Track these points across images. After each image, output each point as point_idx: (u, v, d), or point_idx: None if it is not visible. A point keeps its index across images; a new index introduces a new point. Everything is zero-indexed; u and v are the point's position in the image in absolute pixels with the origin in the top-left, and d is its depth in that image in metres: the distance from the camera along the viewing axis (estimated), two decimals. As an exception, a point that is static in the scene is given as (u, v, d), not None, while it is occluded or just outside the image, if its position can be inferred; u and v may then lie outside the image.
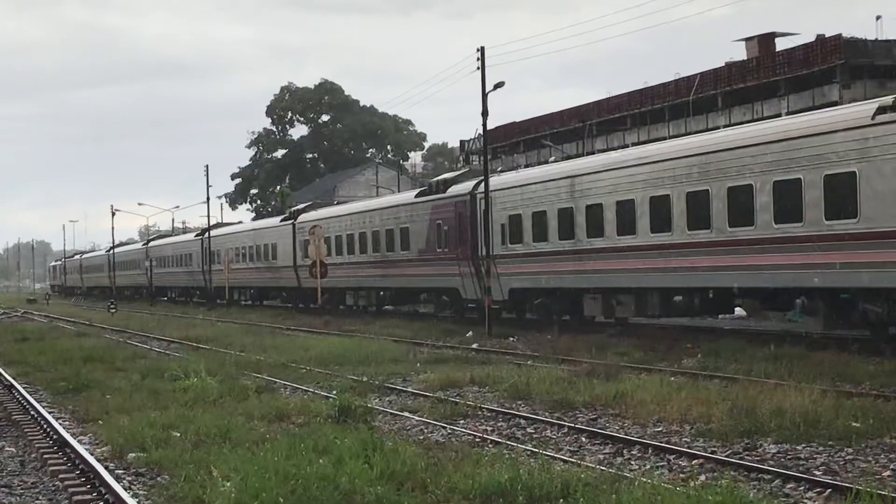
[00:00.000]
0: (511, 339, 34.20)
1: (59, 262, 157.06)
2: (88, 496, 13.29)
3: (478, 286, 40.22)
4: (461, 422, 18.24)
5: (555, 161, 46.07)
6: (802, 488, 12.42)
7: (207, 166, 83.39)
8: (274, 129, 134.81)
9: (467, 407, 19.38)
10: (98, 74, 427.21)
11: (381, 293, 51.42)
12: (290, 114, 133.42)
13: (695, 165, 29.33)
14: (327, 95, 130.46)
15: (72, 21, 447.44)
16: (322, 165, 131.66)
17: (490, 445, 15.72)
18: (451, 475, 12.62)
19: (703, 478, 12.97)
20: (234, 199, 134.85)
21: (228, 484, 12.36)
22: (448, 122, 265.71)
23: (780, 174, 26.30)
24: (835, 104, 40.74)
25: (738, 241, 27.75)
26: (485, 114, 39.27)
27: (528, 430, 17.40)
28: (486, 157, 41.44)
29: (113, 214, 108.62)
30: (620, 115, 63.55)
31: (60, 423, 18.91)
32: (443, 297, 45.32)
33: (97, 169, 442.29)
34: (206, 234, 77.99)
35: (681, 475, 13.32)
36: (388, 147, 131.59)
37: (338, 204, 64.28)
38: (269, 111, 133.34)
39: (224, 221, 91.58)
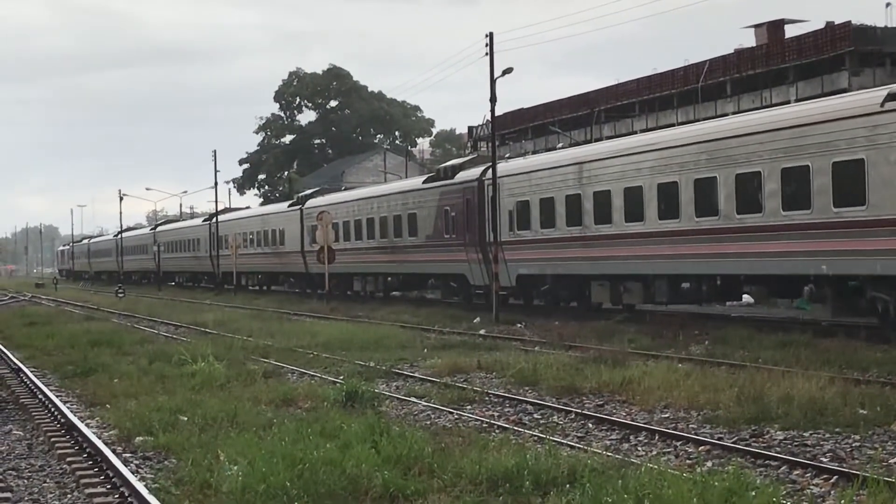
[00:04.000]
0: (518, 325, 34.19)
1: (67, 247, 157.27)
2: (96, 479, 13.33)
3: (485, 272, 40.22)
4: (468, 407, 18.27)
5: (563, 147, 46.02)
6: (809, 475, 12.42)
7: (215, 151, 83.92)
8: (282, 114, 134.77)
9: (474, 392, 19.40)
10: (105, 59, 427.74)
11: (389, 279, 51.45)
12: (298, 99, 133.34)
13: (703, 152, 29.28)
14: (335, 81, 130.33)
15: (78, 5, 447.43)
16: (330, 151, 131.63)
17: (497, 431, 15.73)
18: (457, 460, 12.63)
19: (709, 464, 12.98)
20: (242, 185, 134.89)
21: (235, 468, 12.38)
22: (456, 108, 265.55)
23: (789, 161, 26.25)
24: (844, 91, 40.62)
25: (745, 228, 27.71)
26: (493, 100, 39.22)
27: (535, 415, 17.42)
28: (494, 144, 41.44)
29: (121, 199, 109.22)
30: (629, 102, 63.44)
31: (68, 407, 18.97)
32: (450, 283, 45.33)
33: (105, 153, 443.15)
34: (214, 220, 78.05)
35: (687, 461, 13.33)
36: (396, 133, 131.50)
37: (345, 190, 64.25)
38: (277, 96, 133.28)
39: (232, 207, 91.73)
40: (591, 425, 16.30)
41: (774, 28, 59.32)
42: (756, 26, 60.89)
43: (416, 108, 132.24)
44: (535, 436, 15.02)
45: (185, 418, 16.74)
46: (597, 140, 54.41)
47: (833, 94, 34.71)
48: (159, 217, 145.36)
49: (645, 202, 31.34)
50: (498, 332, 32.35)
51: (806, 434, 14.66)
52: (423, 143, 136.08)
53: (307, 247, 57.94)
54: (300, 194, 66.44)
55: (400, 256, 48.04)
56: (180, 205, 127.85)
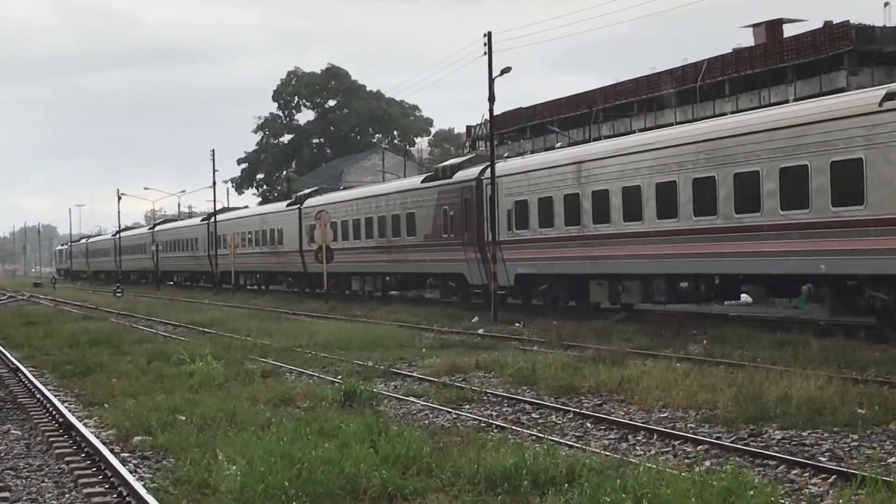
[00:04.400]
0: (517, 324, 34.20)
1: (66, 247, 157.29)
2: (94, 479, 13.32)
3: (484, 272, 40.22)
4: (466, 407, 18.27)
5: (561, 147, 46.02)
6: (807, 474, 12.42)
7: (214, 151, 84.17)
8: (280, 113, 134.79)
9: (472, 392, 19.41)
10: (105, 58, 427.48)
11: (387, 278, 51.45)
12: (296, 99, 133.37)
13: (701, 152, 29.28)
14: (334, 80, 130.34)
15: (78, 5, 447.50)
16: (328, 150, 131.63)
17: (495, 430, 15.73)
18: (456, 460, 12.63)
19: (708, 463, 12.99)
20: (241, 184, 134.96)
21: (234, 467, 12.38)
22: (455, 107, 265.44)
23: (787, 161, 26.25)
24: (842, 91, 40.63)
25: (744, 227, 27.71)
26: (491, 99, 39.20)
27: (534, 415, 17.42)
28: (492, 143, 41.44)
29: (119, 199, 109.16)
30: (627, 101, 63.45)
31: (66, 407, 18.95)
32: (449, 282, 45.33)
33: (103, 153, 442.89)
34: (213, 219, 78.04)
35: (686, 461, 13.33)
36: (395, 132, 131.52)
37: (344, 189, 64.26)
38: (276, 96, 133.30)
39: (230, 206, 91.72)
40: (589, 425, 16.30)
41: (773, 27, 59.36)
42: (755, 26, 60.93)
43: (415, 108, 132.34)
44: (534, 435, 15.02)
45: (184, 418, 16.74)
46: (595, 139, 54.41)
47: (831, 94, 34.72)
48: (158, 216, 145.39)
49: (643, 202, 31.34)
50: (496, 331, 32.35)
51: (804, 433, 14.67)
52: (422, 143, 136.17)
53: (305, 246, 57.94)
54: (298, 194, 66.41)
55: (398, 256, 48.04)
56: (178, 204, 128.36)
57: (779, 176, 26.51)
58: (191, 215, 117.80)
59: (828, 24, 53.29)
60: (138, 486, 12.12)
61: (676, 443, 14.55)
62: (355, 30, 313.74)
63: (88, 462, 14.31)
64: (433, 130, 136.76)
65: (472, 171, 42.10)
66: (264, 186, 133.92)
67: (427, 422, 16.91)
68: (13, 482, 13.51)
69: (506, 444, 13.70)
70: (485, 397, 19.09)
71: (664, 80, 61.43)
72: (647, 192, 31.16)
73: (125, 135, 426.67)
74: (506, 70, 39.02)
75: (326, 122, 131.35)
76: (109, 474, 13.29)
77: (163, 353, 26.76)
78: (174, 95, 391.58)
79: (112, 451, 14.60)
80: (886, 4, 59.52)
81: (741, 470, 11.75)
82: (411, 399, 19.20)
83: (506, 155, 49.73)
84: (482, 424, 16.37)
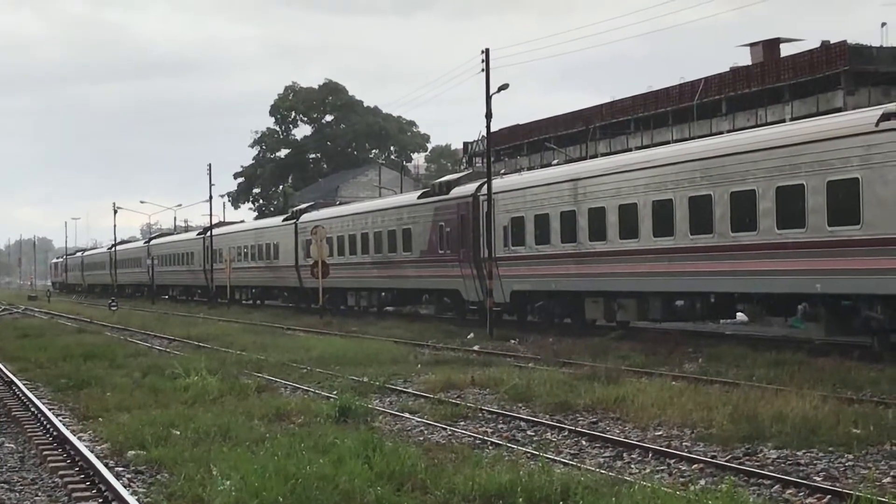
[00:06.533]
0: (512, 341, 34.16)
1: (61, 260, 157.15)
2: (88, 493, 13.29)
3: (479, 288, 40.20)
4: (461, 423, 18.25)
5: (558, 164, 46.07)
6: (802, 494, 12.41)
7: (210, 165, 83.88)
8: (277, 128, 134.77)
9: (468, 408, 19.38)
10: (101, 71, 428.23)
11: (383, 294, 51.39)
12: (293, 113, 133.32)
13: (698, 170, 29.31)
14: (331, 95, 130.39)
15: (73, 16, 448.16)
16: (325, 165, 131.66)
17: (490, 447, 15.73)
18: (451, 476, 12.62)
19: (703, 482, 12.98)
20: (237, 199, 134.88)
21: (228, 482, 12.36)
22: (451, 123, 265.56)
23: (783, 180, 26.28)
24: (839, 110, 40.71)
25: (740, 246, 27.72)
26: (489, 116, 39.24)
27: (529, 432, 17.41)
28: (489, 159, 41.45)
29: (115, 212, 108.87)
30: (624, 119, 63.53)
31: (60, 420, 18.93)
32: (444, 298, 45.31)
33: (99, 166, 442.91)
34: (209, 233, 78.03)
35: (681, 479, 13.32)
36: (392, 148, 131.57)
37: (340, 204, 64.24)
38: (273, 110, 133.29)
39: (226, 220, 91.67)
40: (584, 442, 16.29)
41: (770, 47, 59.43)
42: (752, 45, 60.99)
43: (412, 124, 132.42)
44: (529, 452, 15.01)
45: (178, 432, 16.72)
46: (592, 157, 54.47)
47: (828, 114, 34.80)
48: (153, 230, 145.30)
49: (639, 219, 31.36)
50: (492, 348, 32.31)
51: (799, 453, 14.67)
52: (419, 159, 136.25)
53: (301, 261, 57.93)
54: (295, 208, 66.44)
55: (394, 271, 48.02)
56: (174, 218, 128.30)
57: (775, 195, 26.54)
58: (187, 229, 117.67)
59: (825, 44, 53.34)
60: (132, 501, 12.11)
61: (671, 461, 14.55)
62: (352, 45, 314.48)
63: (82, 476, 14.28)
64: (430, 146, 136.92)
65: (469, 188, 42.13)
66: (260, 201, 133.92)
67: (422, 438, 16.89)
68: (6, 496, 13.48)
69: (501, 462, 13.69)
70: (480, 414, 19.07)
71: (661, 98, 61.51)
72: (644, 209, 31.17)
73: (121, 148, 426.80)
74: (503, 87, 39.03)
75: (323, 137, 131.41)
76: (103, 489, 13.27)
77: (157, 368, 26.73)
78: (171, 109, 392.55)
79: (106, 465, 14.58)
80: (884, 24, 59.65)
81: (736, 489, 11.75)
82: (406, 415, 19.18)
83: (502, 171, 49.82)
84: (477, 441, 16.36)
